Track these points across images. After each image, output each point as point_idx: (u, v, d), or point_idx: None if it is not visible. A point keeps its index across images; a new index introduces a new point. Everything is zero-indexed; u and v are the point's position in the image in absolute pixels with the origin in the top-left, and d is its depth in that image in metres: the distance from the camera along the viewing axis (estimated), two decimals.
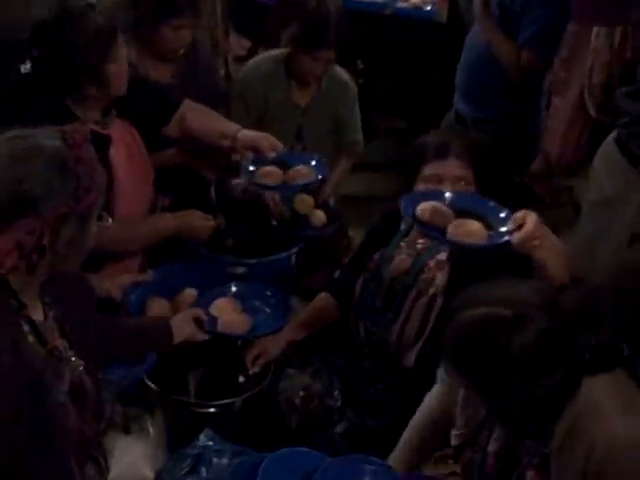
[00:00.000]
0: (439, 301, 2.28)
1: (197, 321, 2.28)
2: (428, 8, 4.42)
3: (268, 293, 2.48)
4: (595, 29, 3.64)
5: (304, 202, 2.90)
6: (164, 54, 2.86)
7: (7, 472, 1.62)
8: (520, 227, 1.87)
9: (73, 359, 1.77)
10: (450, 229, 1.98)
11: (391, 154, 4.46)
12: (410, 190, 2.36)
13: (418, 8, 4.43)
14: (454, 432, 1.91)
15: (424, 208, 2.02)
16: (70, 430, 1.72)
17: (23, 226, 1.59)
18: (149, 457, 2.16)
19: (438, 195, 2.12)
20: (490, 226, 1.99)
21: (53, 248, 1.63)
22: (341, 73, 3.24)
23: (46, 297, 1.76)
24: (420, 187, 2.34)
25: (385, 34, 4.45)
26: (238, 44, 3.95)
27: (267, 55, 3.28)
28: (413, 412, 2.15)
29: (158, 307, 2.49)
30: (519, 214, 1.91)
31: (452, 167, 2.33)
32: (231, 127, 2.64)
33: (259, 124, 3.07)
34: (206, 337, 2.29)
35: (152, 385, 2.26)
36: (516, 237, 1.85)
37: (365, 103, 3.48)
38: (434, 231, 1.99)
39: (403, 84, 4.34)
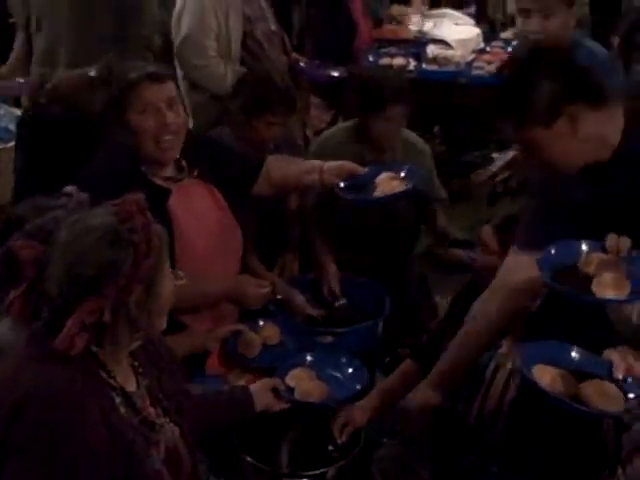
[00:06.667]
0: (517, 379, 2.18)
1: (274, 391, 2.30)
2: None
3: (343, 360, 2.46)
4: None
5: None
6: (253, 143, 2.98)
7: None
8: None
9: (167, 425, 1.79)
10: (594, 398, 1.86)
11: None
12: None
13: (494, 75, 4.32)
14: None
15: (551, 380, 1.88)
16: None
17: (86, 307, 1.60)
18: None
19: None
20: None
21: (127, 318, 1.64)
22: (416, 139, 3.29)
23: (138, 365, 1.79)
24: None
25: (461, 102, 4.50)
26: (319, 118, 4.04)
27: (338, 127, 3.43)
28: None
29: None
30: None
31: None
32: (313, 163, 2.72)
33: None
34: (284, 406, 2.30)
35: (245, 457, 2.27)
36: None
37: (442, 169, 3.51)
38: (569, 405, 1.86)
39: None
